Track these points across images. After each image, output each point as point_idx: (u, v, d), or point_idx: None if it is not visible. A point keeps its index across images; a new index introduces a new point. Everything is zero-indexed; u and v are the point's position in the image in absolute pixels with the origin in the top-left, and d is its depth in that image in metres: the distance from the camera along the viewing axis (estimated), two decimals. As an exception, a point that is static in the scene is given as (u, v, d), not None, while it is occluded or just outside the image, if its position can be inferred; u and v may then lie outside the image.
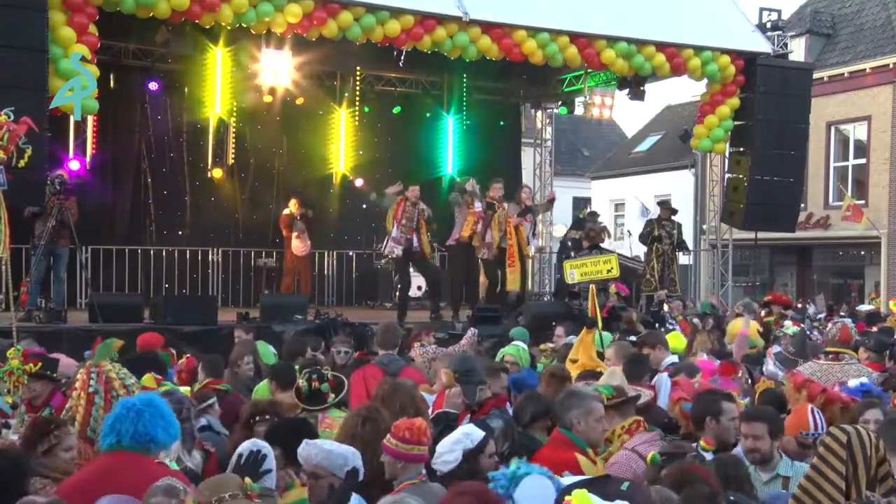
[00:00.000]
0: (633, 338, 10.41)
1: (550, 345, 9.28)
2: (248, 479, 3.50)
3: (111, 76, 14.60)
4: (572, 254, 14.23)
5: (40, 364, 5.82)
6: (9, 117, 7.06)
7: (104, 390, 4.69)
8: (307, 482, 3.90)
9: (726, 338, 9.58)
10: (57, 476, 4.11)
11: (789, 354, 7.52)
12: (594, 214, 15.90)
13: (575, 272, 8.78)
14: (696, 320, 11.47)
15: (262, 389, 6.69)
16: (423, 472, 4.31)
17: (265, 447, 3.88)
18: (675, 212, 15.80)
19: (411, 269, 13.92)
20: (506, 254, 13.25)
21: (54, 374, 6.02)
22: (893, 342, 8.40)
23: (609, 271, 8.87)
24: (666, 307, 13.99)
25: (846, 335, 8.44)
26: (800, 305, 16.55)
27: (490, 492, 3.41)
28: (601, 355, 7.39)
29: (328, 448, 3.99)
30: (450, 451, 4.27)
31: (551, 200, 14.84)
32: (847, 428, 3.20)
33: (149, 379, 5.52)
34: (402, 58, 15.84)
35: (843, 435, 3.15)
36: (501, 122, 19.21)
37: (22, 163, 7.26)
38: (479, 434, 4.36)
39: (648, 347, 7.70)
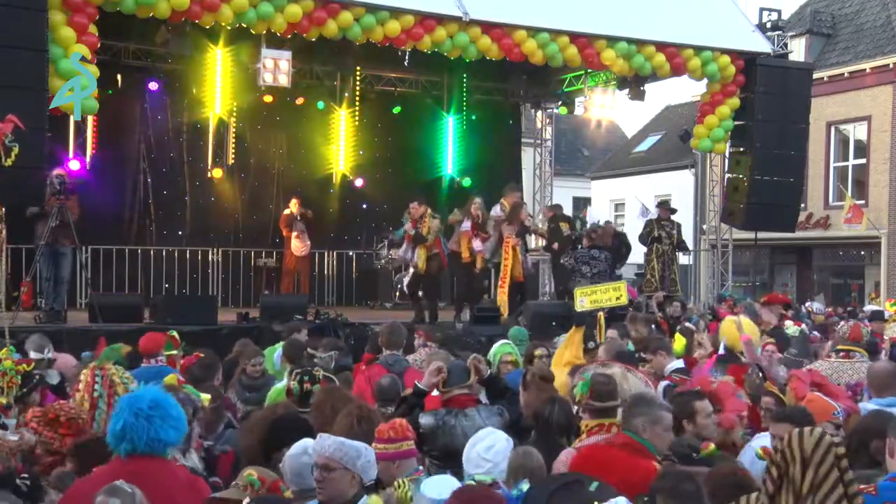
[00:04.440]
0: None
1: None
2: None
3: (111, 76, 14.59)
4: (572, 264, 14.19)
5: (33, 364, 5.79)
6: (-6, 116, 7.05)
7: (108, 394, 4.70)
8: (316, 475, 3.86)
9: (720, 336, 9.50)
10: None
11: (792, 356, 7.50)
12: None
13: (585, 300, 8.73)
14: (688, 323, 11.43)
15: (275, 394, 6.66)
16: (420, 468, 4.31)
17: None
18: (674, 212, 15.79)
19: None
20: (499, 269, 13.30)
21: (40, 374, 5.99)
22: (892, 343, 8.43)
23: (618, 298, 8.82)
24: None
25: (857, 334, 8.44)
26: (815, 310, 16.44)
27: (498, 495, 3.39)
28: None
29: (341, 440, 3.95)
30: (505, 457, 4.26)
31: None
32: (792, 431, 3.19)
33: (172, 378, 5.48)
34: (407, 58, 15.86)
35: (786, 437, 3.14)
36: (501, 122, 19.21)
37: (9, 161, 7.23)
38: (509, 437, 4.41)
39: (650, 353, 7.57)
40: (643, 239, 15.42)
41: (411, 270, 13.31)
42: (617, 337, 8.27)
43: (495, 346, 7.70)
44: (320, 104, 16.92)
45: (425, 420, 5.02)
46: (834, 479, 3.00)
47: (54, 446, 4.51)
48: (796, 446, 3.03)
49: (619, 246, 14.96)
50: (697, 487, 3.41)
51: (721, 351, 8.03)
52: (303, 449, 4.01)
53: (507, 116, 19.46)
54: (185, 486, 3.85)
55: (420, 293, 13.60)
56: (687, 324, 11.38)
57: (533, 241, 14.63)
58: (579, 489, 3.51)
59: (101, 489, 3.41)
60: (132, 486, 3.41)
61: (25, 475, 3.68)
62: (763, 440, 4.86)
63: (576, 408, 5.16)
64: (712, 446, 4.50)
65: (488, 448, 4.26)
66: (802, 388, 5.55)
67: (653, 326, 10.72)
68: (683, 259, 20.76)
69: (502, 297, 13.30)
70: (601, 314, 8.28)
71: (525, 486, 3.87)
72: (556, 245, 14.78)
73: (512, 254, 13.26)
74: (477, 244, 13.07)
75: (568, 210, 19.32)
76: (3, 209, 10.18)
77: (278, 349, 8.47)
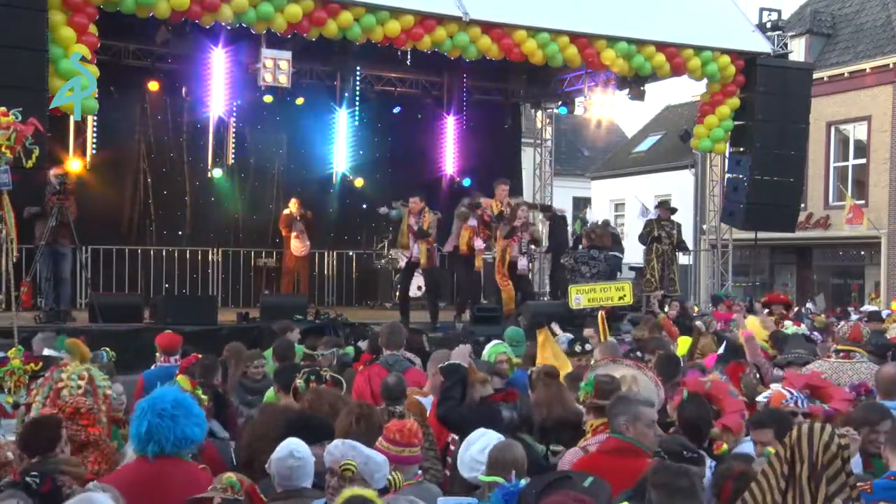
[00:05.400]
0: (629, 337, 10.39)
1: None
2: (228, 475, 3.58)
3: (111, 76, 14.56)
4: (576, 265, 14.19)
5: (41, 364, 5.82)
6: (16, 118, 7.07)
7: (51, 392, 4.71)
8: (333, 482, 3.84)
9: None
10: (77, 472, 4.10)
11: (804, 354, 7.43)
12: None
13: (581, 297, 8.69)
14: (698, 322, 11.40)
15: (271, 395, 6.66)
16: (419, 472, 4.31)
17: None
18: (674, 211, 15.81)
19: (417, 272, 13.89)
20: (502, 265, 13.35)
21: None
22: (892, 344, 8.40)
23: (622, 298, 8.77)
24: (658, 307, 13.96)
25: (857, 334, 8.43)
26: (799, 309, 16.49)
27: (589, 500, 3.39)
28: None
29: (368, 453, 3.95)
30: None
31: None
32: (801, 426, 3.19)
33: (185, 381, 5.51)
34: (409, 58, 15.87)
35: (794, 433, 3.15)
36: (501, 122, 19.21)
37: (30, 163, 7.27)
38: (500, 436, 4.45)
39: (648, 353, 7.52)
40: (643, 239, 15.43)
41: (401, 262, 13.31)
42: (614, 342, 8.25)
43: (489, 346, 7.66)
44: (320, 105, 16.93)
45: (507, 413, 5.16)
46: (841, 481, 3.00)
47: (81, 438, 4.53)
48: (805, 445, 3.03)
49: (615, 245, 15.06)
50: (692, 483, 3.41)
51: (721, 350, 8.01)
52: (288, 452, 4.00)
53: (507, 116, 19.44)
54: (205, 487, 3.86)
55: (416, 293, 13.60)
56: (697, 323, 11.38)
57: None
58: (572, 485, 3.51)
59: (137, 484, 3.50)
60: (107, 487, 3.41)
61: (35, 473, 3.69)
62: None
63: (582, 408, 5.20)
64: (724, 447, 4.50)
65: (482, 450, 4.28)
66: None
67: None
68: (683, 259, 20.76)
69: (508, 296, 13.31)
70: (601, 313, 8.25)
71: (521, 482, 3.88)
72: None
73: (500, 255, 13.25)
74: (479, 243, 13.06)
75: (568, 210, 19.30)
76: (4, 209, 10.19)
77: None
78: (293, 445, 4.01)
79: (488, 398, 5.41)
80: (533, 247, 14.21)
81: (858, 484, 3.55)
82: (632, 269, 17.69)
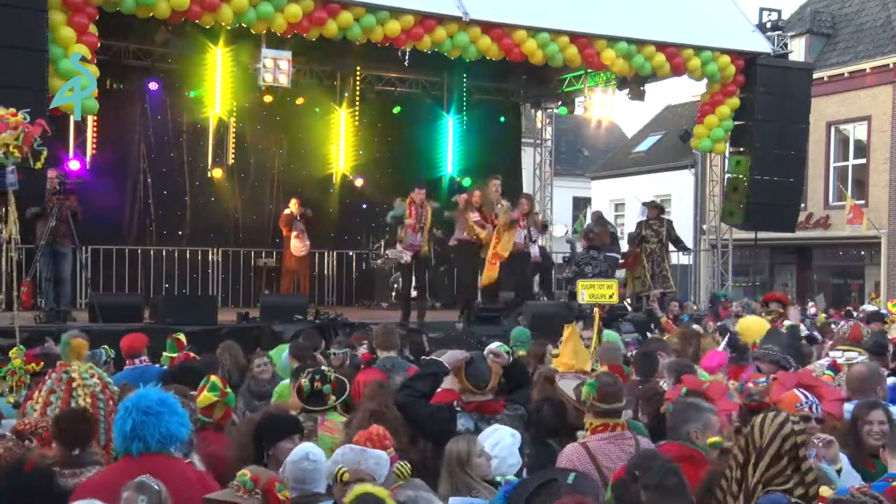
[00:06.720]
0: (629, 337, 10.40)
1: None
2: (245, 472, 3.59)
3: (111, 76, 14.60)
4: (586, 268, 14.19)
5: (42, 364, 5.81)
6: (25, 118, 7.06)
7: (62, 390, 4.70)
8: (343, 489, 3.76)
9: (739, 336, 9.47)
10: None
11: (776, 351, 7.41)
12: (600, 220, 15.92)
13: (585, 293, 8.76)
14: (696, 326, 11.37)
15: (282, 391, 6.65)
16: None
17: None
18: (662, 210, 15.89)
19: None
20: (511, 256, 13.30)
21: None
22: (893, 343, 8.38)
23: (610, 297, 8.82)
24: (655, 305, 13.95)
25: (857, 334, 8.42)
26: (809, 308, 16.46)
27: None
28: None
29: (377, 454, 3.95)
30: (511, 453, 4.31)
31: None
32: (756, 416, 3.26)
33: (217, 379, 5.51)
34: (407, 58, 15.89)
35: (750, 423, 3.22)
36: (501, 122, 19.22)
37: (38, 164, 7.27)
38: (516, 432, 4.45)
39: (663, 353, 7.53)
40: (632, 241, 15.52)
41: (405, 258, 13.19)
42: (614, 344, 8.25)
43: (489, 347, 7.62)
44: (320, 105, 16.92)
45: (463, 422, 5.01)
46: (785, 462, 3.07)
47: None
48: (757, 434, 3.11)
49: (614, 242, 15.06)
50: (681, 481, 3.42)
51: (722, 348, 8.01)
52: (304, 454, 4.02)
53: (507, 116, 19.46)
54: (196, 482, 3.92)
55: (413, 290, 13.57)
56: (695, 326, 11.36)
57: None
58: (558, 486, 3.52)
59: (124, 485, 3.46)
60: (159, 483, 3.45)
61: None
62: None
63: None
64: (718, 437, 4.49)
65: (493, 445, 4.30)
66: (780, 391, 5.53)
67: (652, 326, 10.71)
68: (683, 259, 20.77)
69: (490, 274, 13.10)
70: (596, 311, 8.24)
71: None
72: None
73: (494, 243, 12.99)
74: (489, 229, 13.05)
75: (568, 210, 19.32)
76: (3, 209, 10.19)
77: (285, 351, 8.41)
78: (308, 448, 4.04)
79: (481, 406, 5.15)
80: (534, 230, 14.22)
81: (854, 487, 3.56)
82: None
